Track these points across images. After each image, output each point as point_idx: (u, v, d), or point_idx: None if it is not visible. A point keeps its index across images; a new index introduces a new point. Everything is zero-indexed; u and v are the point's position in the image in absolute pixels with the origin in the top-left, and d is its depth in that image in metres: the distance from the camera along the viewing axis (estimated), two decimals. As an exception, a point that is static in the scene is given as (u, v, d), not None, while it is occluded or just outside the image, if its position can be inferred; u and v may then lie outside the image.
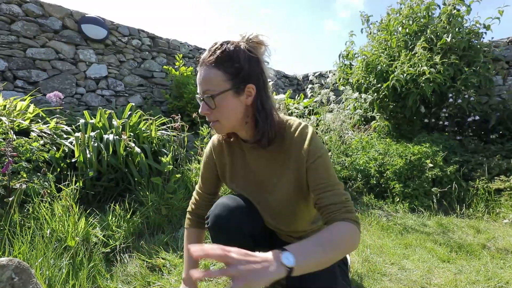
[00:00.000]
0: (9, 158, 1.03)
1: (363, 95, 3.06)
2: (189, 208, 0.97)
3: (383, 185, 2.51)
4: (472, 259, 1.48)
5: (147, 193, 1.64)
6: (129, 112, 2.21)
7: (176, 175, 1.79)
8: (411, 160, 2.46)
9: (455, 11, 2.97)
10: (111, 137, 1.74)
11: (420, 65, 2.74)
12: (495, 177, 2.34)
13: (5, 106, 1.45)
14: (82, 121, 1.77)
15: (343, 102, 3.85)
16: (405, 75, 2.76)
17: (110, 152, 1.67)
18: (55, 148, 1.54)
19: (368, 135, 3.29)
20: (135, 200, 1.66)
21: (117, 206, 1.44)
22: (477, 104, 2.76)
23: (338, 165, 2.75)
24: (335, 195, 0.66)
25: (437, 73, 2.69)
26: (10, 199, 1.05)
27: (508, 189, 2.16)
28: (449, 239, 1.73)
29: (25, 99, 1.77)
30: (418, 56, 2.79)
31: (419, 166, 2.46)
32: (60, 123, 1.81)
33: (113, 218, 1.39)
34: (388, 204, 2.39)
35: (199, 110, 0.71)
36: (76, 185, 1.33)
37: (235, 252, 0.47)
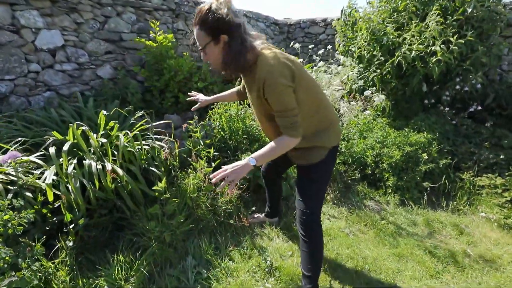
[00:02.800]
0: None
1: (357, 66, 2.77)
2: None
3: (377, 175, 2.56)
4: (456, 273, 1.66)
5: (147, 226, 1.53)
6: (110, 111, 1.87)
7: (174, 200, 1.67)
8: (408, 151, 2.46)
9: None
10: (93, 165, 1.49)
11: (431, 42, 2.45)
12: (483, 171, 2.44)
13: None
14: (52, 150, 1.46)
15: (341, 69, 3.54)
16: (413, 52, 2.48)
17: (97, 187, 1.46)
18: (29, 194, 1.31)
19: (364, 111, 3.16)
20: (134, 233, 1.57)
21: (120, 256, 1.35)
22: (482, 88, 2.63)
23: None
24: (284, 121, 1.03)
25: (449, 53, 2.44)
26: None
27: (491, 186, 2.29)
28: (436, 245, 1.89)
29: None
30: (430, 31, 2.46)
31: (415, 158, 2.48)
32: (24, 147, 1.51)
33: (119, 269, 1.32)
34: (380, 195, 2.50)
35: (202, 59, 1.21)
36: (69, 244, 1.20)
37: (226, 167, 1.03)
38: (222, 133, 2.32)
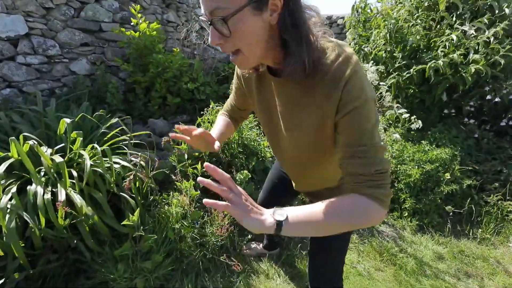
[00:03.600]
0: None
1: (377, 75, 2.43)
2: (224, 109, 0.97)
3: (392, 195, 2.24)
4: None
5: (113, 274, 1.17)
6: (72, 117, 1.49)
7: (150, 236, 1.31)
8: (428, 170, 2.15)
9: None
10: (39, 194, 1.12)
11: (473, 51, 2.12)
12: (513, 193, 2.14)
13: None
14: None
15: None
16: (447, 62, 2.15)
17: (43, 225, 1.09)
18: None
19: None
20: (97, 282, 1.21)
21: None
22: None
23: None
24: (363, 165, 0.55)
25: (487, 64, 2.13)
26: None
27: (525, 213, 2.00)
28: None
29: None
30: (479, 37, 2.13)
31: (435, 177, 2.16)
32: None
33: None
34: (395, 218, 2.19)
35: (209, 41, 0.55)
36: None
37: (238, 193, 0.53)
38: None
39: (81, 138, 1.37)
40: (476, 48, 2.09)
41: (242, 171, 1.77)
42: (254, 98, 0.77)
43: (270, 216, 0.52)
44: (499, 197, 2.13)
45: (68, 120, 1.45)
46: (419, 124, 2.14)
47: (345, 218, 0.54)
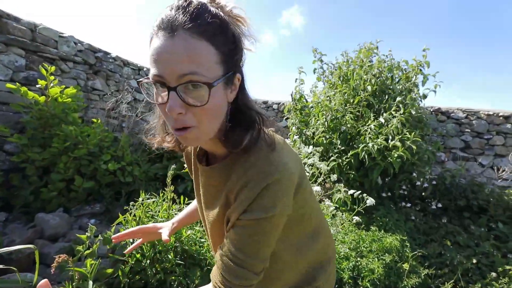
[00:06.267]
0: None
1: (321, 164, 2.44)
2: None
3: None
4: None
5: None
6: None
7: None
8: (388, 262, 2.01)
9: (414, 77, 2.81)
10: None
11: (392, 138, 2.38)
12: (461, 278, 2.15)
13: None
14: None
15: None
16: (375, 147, 2.33)
17: None
18: None
19: (320, 202, 2.75)
20: None
21: None
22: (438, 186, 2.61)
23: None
24: (233, 271, 0.50)
25: (406, 149, 2.40)
26: None
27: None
28: None
29: None
30: (391, 126, 2.42)
31: (395, 269, 2.03)
32: None
33: None
34: (365, 327, 1.84)
35: (167, 108, 0.43)
36: None
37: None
38: (138, 254, 1.36)
39: None
40: (393, 135, 2.36)
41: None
42: (193, 178, 0.70)
43: None
44: (453, 284, 2.10)
45: None
46: (371, 200, 2.10)
47: None
